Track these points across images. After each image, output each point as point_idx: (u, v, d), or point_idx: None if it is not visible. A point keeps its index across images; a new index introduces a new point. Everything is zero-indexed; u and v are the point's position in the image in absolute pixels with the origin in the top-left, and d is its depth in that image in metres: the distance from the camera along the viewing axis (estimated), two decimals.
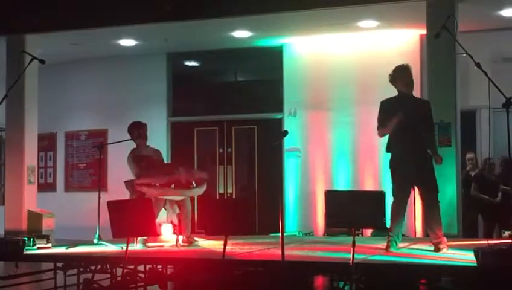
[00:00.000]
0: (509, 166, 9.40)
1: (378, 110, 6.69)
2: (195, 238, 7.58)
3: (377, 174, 10.85)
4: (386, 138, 6.73)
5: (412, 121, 6.49)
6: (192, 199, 7.86)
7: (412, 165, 6.47)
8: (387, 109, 6.60)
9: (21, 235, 7.58)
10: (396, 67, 6.74)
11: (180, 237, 7.33)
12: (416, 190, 6.71)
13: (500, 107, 5.62)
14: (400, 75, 6.67)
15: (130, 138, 7.71)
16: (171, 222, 7.85)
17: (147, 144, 7.76)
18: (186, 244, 7.32)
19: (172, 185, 7.35)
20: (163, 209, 7.57)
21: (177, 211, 7.48)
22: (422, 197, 6.63)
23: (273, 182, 11.43)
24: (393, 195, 6.55)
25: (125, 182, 7.44)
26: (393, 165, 6.61)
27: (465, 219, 9.21)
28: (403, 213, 6.57)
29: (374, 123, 6.75)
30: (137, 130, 7.64)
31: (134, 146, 7.73)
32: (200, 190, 7.55)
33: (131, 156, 7.60)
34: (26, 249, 6.89)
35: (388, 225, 6.20)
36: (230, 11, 9.94)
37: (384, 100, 6.74)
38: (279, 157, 11.48)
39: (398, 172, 6.54)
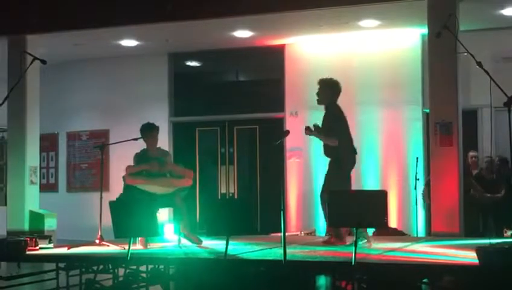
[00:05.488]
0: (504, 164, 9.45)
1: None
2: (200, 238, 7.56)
3: (378, 174, 10.85)
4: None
5: None
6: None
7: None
8: (343, 118, 7.42)
9: (23, 236, 7.57)
10: (331, 80, 7.44)
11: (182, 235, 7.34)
12: None
13: (501, 106, 5.62)
14: (337, 87, 7.52)
15: (131, 138, 7.74)
16: None
17: (157, 146, 7.78)
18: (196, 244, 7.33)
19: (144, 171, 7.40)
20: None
21: None
22: None
23: (275, 182, 11.41)
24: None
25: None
26: (348, 168, 7.33)
27: (466, 217, 9.18)
28: None
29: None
30: (148, 132, 7.67)
31: (144, 147, 7.75)
32: (181, 182, 7.55)
33: (134, 156, 7.65)
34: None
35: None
36: (231, 11, 9.93)
37: (338, 110, 7.41)
38: (281, 157, 11.47)
39: (348, 174, 7.26)
